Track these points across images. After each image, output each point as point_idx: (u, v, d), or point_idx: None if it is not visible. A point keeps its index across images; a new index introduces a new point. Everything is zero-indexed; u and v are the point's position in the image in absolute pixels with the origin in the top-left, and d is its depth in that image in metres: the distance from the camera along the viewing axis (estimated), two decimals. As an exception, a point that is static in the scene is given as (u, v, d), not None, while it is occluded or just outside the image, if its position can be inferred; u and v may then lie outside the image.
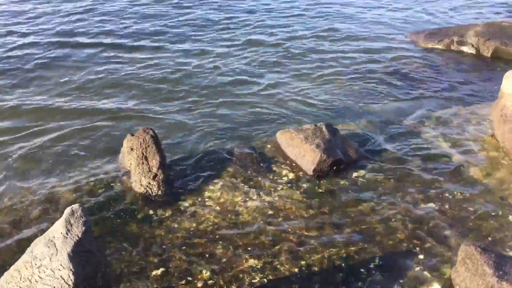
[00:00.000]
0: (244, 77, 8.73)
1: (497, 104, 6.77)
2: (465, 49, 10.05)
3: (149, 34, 10.89)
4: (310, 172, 5.89)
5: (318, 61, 9.46)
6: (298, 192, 5.61)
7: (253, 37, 10.81)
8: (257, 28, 11.38)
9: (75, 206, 3.84)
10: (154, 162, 5.63)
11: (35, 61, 9.21)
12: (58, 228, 3.69)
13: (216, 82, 8.55)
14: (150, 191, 5.47)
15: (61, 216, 3.86)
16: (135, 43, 10.30)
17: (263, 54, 9.78)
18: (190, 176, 5.88)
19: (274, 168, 6.03)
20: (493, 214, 5.28)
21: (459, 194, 5.60)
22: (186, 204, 5.39)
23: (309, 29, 11.43)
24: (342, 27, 11.55)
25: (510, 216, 5.25)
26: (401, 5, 13.45)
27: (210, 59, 9.49)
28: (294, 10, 13.00)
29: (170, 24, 11.59)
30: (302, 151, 6.08)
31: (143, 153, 5.69)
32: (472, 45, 10.00)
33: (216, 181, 5.78)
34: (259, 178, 5.82)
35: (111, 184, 5.69)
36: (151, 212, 5.25)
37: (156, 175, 5.55)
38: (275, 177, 5.85)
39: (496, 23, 10.75)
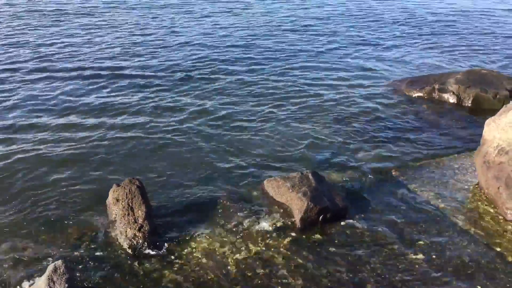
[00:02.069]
0: (228, 124, 8.77)
1: (479, 151, 6.88)
2: (446, 96, 10.29)
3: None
4: (297, 221, 5.87)
5: (301, 108, 9.54)
6: (285, 241, 5.57)
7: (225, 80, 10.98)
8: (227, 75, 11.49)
9: (58, 262, 3.78)
10: (140, 213, 5.58)
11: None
12: (40, 286, 3.61)
13: (201, 127, 8.58)
14: (135, 243, 5.39)
15: (44, 272, 3.79)
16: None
17: (243, 100, 9.90)
18: (177, 226, 5.82)
19: (261, 217, 6.00)
20: (480, 262, 5.28)
21: (445, 243, 5.60)
22: (172, 255, 5.30)
23: (293, 75, 11.59)
24: (323, 74, 11.71)
25: (497, 264, 5.26)
26: (382, 52, 13.81)
27: (191, 101, 9.60)
28: (278, 54, 13.21)
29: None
30: (289, 200, 6.08)
31: (128, 204, 5.64)
32: (453, 93, 10.26)
33: (202, 231, 5.72)
34: (246, 228, 5.78)
35: (96, 236, 5.58)
36: (136, 264, 5.15)
37: (141, 226, 5.49)
38: (263, 227, 5.82)
39: (476, 71, 11.09)
